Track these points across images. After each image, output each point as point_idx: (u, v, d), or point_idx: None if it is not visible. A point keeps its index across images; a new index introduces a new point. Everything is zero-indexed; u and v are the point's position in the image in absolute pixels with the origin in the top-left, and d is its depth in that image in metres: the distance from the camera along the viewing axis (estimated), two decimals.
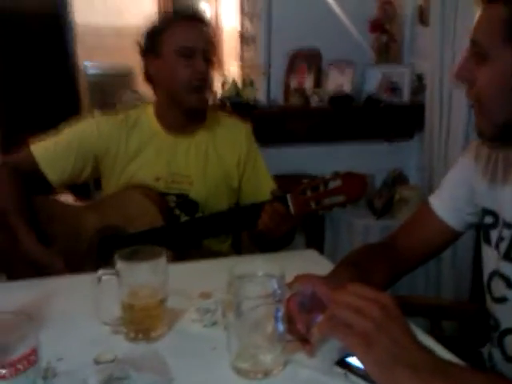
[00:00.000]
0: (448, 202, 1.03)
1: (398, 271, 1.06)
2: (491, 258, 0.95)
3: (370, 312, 0.62)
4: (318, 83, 2.86)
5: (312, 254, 1.26)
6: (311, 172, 1.70)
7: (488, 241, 0.96)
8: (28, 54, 4.98)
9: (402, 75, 2.80)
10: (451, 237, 1.05)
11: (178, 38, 1.37)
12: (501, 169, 0.93)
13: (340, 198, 1.17)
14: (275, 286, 0.76)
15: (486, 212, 0.96)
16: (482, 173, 0.96)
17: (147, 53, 1.43)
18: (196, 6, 5.35)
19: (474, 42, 0.80)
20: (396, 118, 2.79)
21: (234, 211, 1.39)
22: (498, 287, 0.93)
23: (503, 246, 0.91)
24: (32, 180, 1.41)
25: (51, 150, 1.43)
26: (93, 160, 1.45)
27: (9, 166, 1.41)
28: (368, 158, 2.58)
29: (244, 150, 1.50)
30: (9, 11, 4.78)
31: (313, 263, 1.18)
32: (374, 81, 2.85)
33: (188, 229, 1.36)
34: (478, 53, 0.79)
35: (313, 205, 1.19)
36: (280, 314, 0.76)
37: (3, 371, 0.61)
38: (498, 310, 0.94)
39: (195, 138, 1.48)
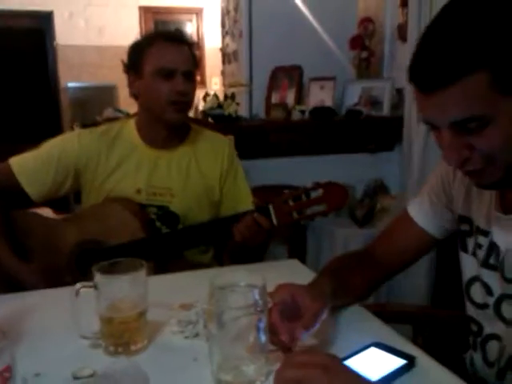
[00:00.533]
0: (426, 210, 1.03)
1: (378, 278, 1.06)
2: (469, 265, 0.95)
3: (313, 378, 0.62)
4: (300, 99, 2.89)
5: (294, 264, 1.25)
6: (293, 184, 1.70)
7: (465, 248, 0.96)
8: (11, 74, 4.97)
9: (382, 90, 2.85)
10: (430, 244, 1.06)
11: (158, 60, 1.37)
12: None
13: (321, 208, 1.18)
14: (257, 296, 0.75)
15: (462, 219, 0.97)
16: (459, 180, 0.97)
17: (129, 71, 1.44)
18: (179, 27, 5.44)
19: (459, 122, 0.73)
20: (377, 130, 2.83)
21: (214, 222, 1.39)
22: (479, 293, 0.93)
23: (481, 253, 0.91)
24: (11, 194, 1.39)
25: (30, 164, 1.41)
26: (74, 173, 1.43)
27: None
28: (349, 169, 2.60)
29: (226, 164, 1.51)
30: None
31: (295, 273, 1.18)
32: (354, 95, 2.89)
33: (168, 240, 1.35)
34: (473, 125, 0.73)
35: (295, 215, 1.19)
36: (262, 324, 0.75)
37: None
38: (480, 315, 0.94)
39: (177, 153, 1.48)
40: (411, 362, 0.80)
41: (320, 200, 1.18)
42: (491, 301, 0.90)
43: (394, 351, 0.82)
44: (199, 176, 1.48)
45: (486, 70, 0.69)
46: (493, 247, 0.89)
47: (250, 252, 1.34)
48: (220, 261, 1.56)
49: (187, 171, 1.47)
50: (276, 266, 1.25)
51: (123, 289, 0.85)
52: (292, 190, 1.20)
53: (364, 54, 2.96)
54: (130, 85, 1.45)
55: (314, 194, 1.18)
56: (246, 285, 0.79)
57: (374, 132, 2.82)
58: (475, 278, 0.94)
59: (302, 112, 2.76)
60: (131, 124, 1.49)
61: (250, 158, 2.42)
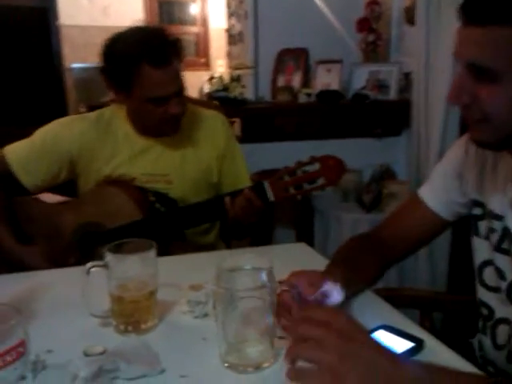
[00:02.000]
0: (439, 193, 1.03)
1: (388, 261, 1.06)
2: (482, 249, 0.95)
3: (329, 343, 0.59)
4: (306, 82, 2.87)
5: (302, 248, 1.26)
6: None
7: (477, 232, 0.96)
8: (15, 55, 4.93)
9: (390, 73, 2.82)
10: (441, 226, 1.05)
11: (148, 89, 1.29)
12: (490, 161, 0.93)
13: (319, 182, 1.16)
14: (265, 278, 0.75)
15: (475, 203, 0.96)
16: (472, 164, 0.97)
17: (112, 81, 1.34)
18: (183, 8, 5.37)
19: (474, 66, 0.75)
20: (384, 114, 2.81)
21: (211, 200, 1.37)
22: (491, 277, 0.93)
23: (494, 237, 0.91)
24: (9, 184, 1.38)
25: (24, 154, 1.40)
26: (68, 162, 1.42)
27: None
28: (356, 154, 2.58)
29: (222, 143, 1.48)
30: None
31: (303, 256, 1.18)
32: (361, 79, 2.87)
33: (168, 219, 1.34)
34: (484, 75, 0.74)
35: (292, 190, 1.17)
36: (269, 306, 0.75)
37: None
38: (491, 298, 0.94)
39: (171, 140, 1.44)
40: (419, 344, 0.80)
41: (317, 174, 1.16)
42: (504, 285, 0.90)
43: (402, 334, 0.83)
44: (196, 160, 1.45)
45: None
46: (506, 232, 0.88)
47: (247, 229, 1.32)
48: (226, 241, 1.56)
49: (183, 156, 1.44)
50: (284, 250, 1.25)
51: (134, 268, 0.85)
52: (288, 166, 1.19)
53: (371, 37, 2.92)
54: (116, 94, 1.36)
55: (310, 168, 1.16)
56: (254, 267, 0.79)
57: (381, 116, 2.80)
58: (488, 262, 0.94)
59: (308, 95, 2.74)
60: (122, 114, 1.44)
61: (256, 141, 2.42)
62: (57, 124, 1.44)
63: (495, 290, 0.93)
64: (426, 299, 0.98)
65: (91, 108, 2.34)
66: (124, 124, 1.44)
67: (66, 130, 1.41)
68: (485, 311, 0.96)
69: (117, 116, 1.45)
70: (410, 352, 0.79)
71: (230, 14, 3.54)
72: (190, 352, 0.79)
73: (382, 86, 2.81)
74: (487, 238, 0.94)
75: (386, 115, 2.81)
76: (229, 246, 1.56)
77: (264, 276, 0.76)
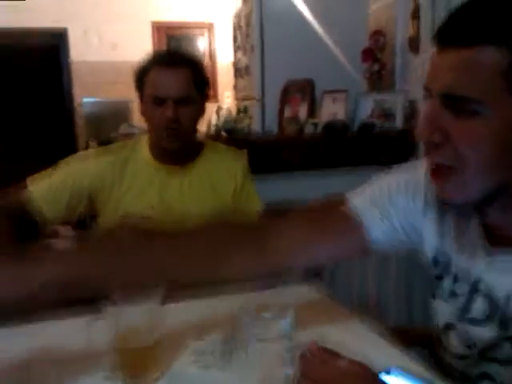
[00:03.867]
0: (384, 230, 0.88)
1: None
2: (443, 311, 0.85)
3: None
4: (312, 113, 2.88)
5: (311, 289, 1.23)
6: (306, 200, 1.69)
7: (437, 294, 0.86)
8: (25, 91, 5.04)
9: (395, 102, 2.83)
10: (367, 252, 0.91)
11: (152, 87, 1.41)
12: (452, 215, 0.82)
13: None
14: (286, 327, 0.74)
15: (435, 262, 0.85)
16: (432, 217, 0.85)
17: (137, 92, 1.48)
18: (191, 42, 5.48)
19: (450, 96, 0.65)
20: (390, 143, 2.80)
21: None
22: (456, 344, 0.83)
23: (458, 302, 0.81)
24: (23, 221, 1.38)
25: (46, 189, 1.42)
26: (87, 198, 1.45)
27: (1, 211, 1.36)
28: (363, 183, 2.58)
29: (239, 181, 1.51)
30: (6, 49, 4.86)
31: (312, 298, 1.16)
32: (367, 109, 2.88)
33: None
34: (461, 107, 0.65)
35: None
36: (290, 354, 0.73)
37: None
38: (460, 365, 0.84)
39: (189, 170, 1.49)
40: None
41: None
42: (472, 352, 0.80)
43: (412, 376, 0.80)
44: (213, 193, 1.48)
45: (505, 53, 0.61)
46: (474, 296, 0.78)
47: None
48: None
49: (201, 189, 1.47)
50: (293, 291, 1.22)
51: (137, 318, 0.84)
52: None
53: (375, 67, 2.95)
54: (139, 104, 1.49)
55: None
56: (274, 315, 0.77)
57: (388, 145, 2.80)
58: (451, 326, 0.84)
59: (315, 125, 2.75)
60: (144, 141, 1.51)
61: (263, 173, 2.42)
62: (79, 158, 1.49)
63: (463, 357, 0.82)
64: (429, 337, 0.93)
65: (101, 143, 2.37)
66: (144, 151, 1.49)
67: (88, 166, 1.45)
68: (457, 374, 0.85)
69: (139, 144, 1.50)
70: None
71: (237, 48, 3.60)
72: None
73: (387, 115, 2.81)
74: (449, 300, 0.84)
75: (392, 144, 2.81)
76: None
77: (286, 325, 0.74)
